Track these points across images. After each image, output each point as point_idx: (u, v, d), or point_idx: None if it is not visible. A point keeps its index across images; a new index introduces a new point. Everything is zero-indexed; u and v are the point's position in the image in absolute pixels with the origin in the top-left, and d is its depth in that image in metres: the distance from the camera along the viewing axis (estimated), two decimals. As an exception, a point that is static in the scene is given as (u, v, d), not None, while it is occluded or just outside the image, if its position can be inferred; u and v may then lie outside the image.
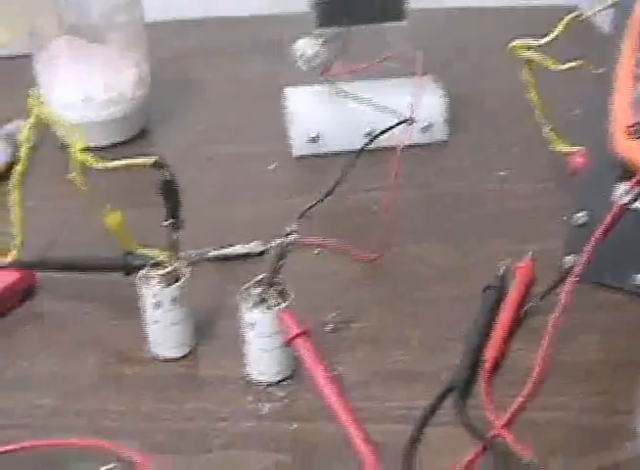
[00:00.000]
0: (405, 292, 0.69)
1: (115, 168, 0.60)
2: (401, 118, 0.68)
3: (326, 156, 0.87)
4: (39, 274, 0.71)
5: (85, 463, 0.56)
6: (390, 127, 0.68)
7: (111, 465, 0.55)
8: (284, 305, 0.57)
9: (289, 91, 0.90)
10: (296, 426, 0.58)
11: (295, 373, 0.61)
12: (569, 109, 0.88)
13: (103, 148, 0.88)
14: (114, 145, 0.91)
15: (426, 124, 0.87)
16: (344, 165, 0.62)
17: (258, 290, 0.58)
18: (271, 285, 0.57)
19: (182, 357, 0.63)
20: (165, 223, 0.60)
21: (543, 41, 0.68)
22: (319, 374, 0.55)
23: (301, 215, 0.57)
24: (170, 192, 0.60)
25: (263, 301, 0.58)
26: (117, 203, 0.63)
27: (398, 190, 0.67)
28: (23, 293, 0.70)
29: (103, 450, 0.56)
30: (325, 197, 0.62)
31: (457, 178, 0.84)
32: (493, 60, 0.87)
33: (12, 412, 0.60)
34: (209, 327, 0.66)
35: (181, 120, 0.94)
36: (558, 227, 0.71)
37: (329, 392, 0.54)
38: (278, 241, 0.56)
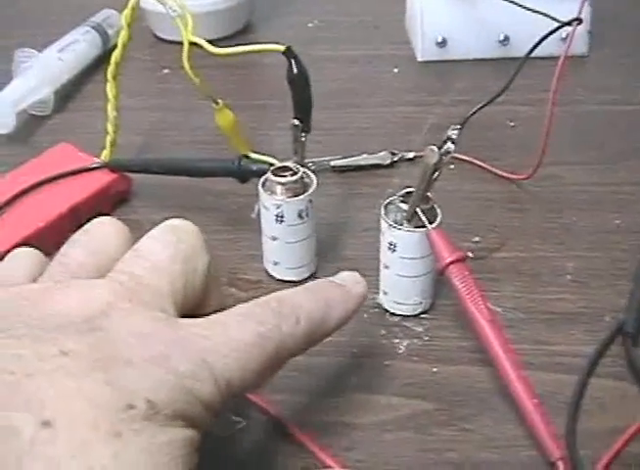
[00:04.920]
0: (555, 219, 0.60)
1: (238, 55, 0.52)
2: (564, 21, 0.58)
3: (452, 62, 0.77)
4: (134, 178, 0.63)
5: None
6: (556, 29, 0.58)
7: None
8: (434, 224, 0.48)
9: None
10: (436, 369, 0.49)
11: (432, 307, 0.52)
12: None
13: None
14: (215, 41, 0.81)
15: (565, 35, 0.76)
16: (515, 71, 0.52)
17: (405, 205, 0.49)
18: (421, 200, 0.48)
19: (301, 281, 0.54)
20: (294, 122, 0.51)
21: None
22: (478, 310, 0.46)
23: (464, 122, 0.48)
24: (300, 86, 0.51)
25: (410, 218, 0.48)
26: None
27: (552, 105, 0.57)
28: (117, 197, 0.62)
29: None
30: (489, 102, 0.52)
31: (603, 95, 0.74)
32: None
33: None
34: (332, 247, 0.57)
35: (289, 17, 0.84)
36: None
37: (488, 332, 0.45)
38: (433, 149, 0.47)
